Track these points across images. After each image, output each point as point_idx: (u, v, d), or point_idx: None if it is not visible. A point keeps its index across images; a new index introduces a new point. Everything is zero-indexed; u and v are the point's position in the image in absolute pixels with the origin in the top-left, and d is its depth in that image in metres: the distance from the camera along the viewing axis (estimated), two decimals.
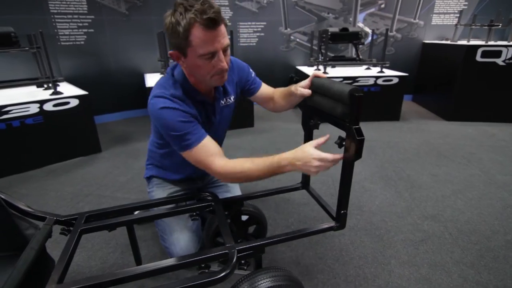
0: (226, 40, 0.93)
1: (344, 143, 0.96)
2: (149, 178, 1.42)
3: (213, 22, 0.86)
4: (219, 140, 1.28)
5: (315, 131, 1.21)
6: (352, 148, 0.92)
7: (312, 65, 3.91)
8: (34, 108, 2.32)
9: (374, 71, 3.56)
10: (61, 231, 1.08)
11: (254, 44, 4.09)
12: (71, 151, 2.57)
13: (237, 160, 0.99)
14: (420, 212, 1.75)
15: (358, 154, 0.92)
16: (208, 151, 0.99)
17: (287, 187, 1.34)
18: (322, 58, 3.71)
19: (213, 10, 0.86)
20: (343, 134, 0.94)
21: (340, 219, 1.07)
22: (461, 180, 2.11)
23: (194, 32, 0.87)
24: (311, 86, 1.11)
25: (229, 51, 0.99)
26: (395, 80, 3.34)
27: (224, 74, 1.00)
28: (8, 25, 2.51)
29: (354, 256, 1.42)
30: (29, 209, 1.08)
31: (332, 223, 1.09)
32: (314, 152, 0.91)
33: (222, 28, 0.91)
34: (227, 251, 0.91)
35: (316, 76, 1.09)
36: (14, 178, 2.17)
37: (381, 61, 3.45)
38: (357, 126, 0.90)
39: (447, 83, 3.50)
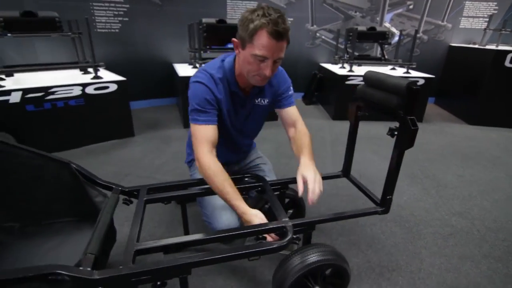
0: (280, 54, 1.04)
1: (396, 132, 1.04)
2: (190, 162, 1.52)
3: (278, 35, 0.98)
4: (247, 132, 1.38)
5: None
6: (405, 137, 1.01)
7: (336, 63, 3.95)
8: (77, 91, 2.45)
9: (400, 71, 3.58)
10: (124, 201, 1.19)
11: None
12: (107, 133, 2.71)
13: (217, 167, 1.08)
14: (448, 209, 1.81)
15: (411, 143, 1.00)
16: (205, 136, 1.10)
17: (329, 174, 1.42)
18: (348, 56, 3.75)
19: (283, 26, 0.98)
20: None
21: (385, 204, 1.15)
22: (486, 181, 2.16)
23: (260, 35, 0.98)
24: (364, 79, 1.20)
25: (279, 63, 1.09)
26: (421, 82, 3.37)
27: (265, 79, 1.10)
28: (50, 10, 2.64)
29: (386, 244, 1.50)
30: (98, 179, 1.20)
31: (377, 208, 1.17)
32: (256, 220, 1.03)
33: (283, 43, 1.02)
34: (284, 224, 1.00)
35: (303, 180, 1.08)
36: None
37: (408, 62, 3.47)
38: (411, 117, 0.98)
39: (473, 87, 3.50)
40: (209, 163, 1.08)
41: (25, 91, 2.24)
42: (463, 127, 3.41)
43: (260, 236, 1.02)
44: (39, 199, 1.14)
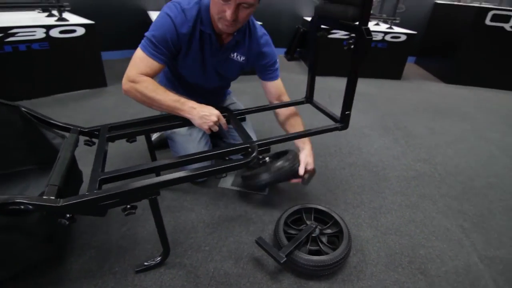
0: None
1: (352, 46, 1.06)
2: None
3: None
4: (216, 81, 1.32)
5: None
6: (361, 48, 1.03)
7: None
8: (40, 33, 2.26)
9: (383, 27, 3.52)
10: (85, 142, 1.13)
11: None
12: (77, 82, 2.56)
13: (152, 83, 1.06)
14: (414, 156, 1.90)
15: (365, 53, 1.04)
16: (145, 67, 1.06)
17: (292, 101, 1.41)
18: None
19: None
20: None
21: (344, 120, 1.22)
22: (454, 133, 2.26)
23: None
24: None
25: (247, 12, 1.02)
26: (403, 38, 3.34)
27: (229, 23, 1.02)
28: None
29: (353, 185, 1.57)
30: (53, 121, 1.12)
31: (337, 125, 1.22)
32: (216, 111, 1.09)
33: None
34: (248, 145, 1.03)
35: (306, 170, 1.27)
36: (23, 104, 2.19)
37: (392, 17, 3.41)
38: (366, 27, 0.99)
39: (452, 46, 3.52)
40: (146, 79, 1.05)
41: None
42: (440, 85, 3.48)
43: (227, 158, 1.05)
44: None
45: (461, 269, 1.14)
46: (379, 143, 2.04)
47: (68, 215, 0.78)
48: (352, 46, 1.06)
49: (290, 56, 4.06)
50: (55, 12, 2.54)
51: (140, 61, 1.06)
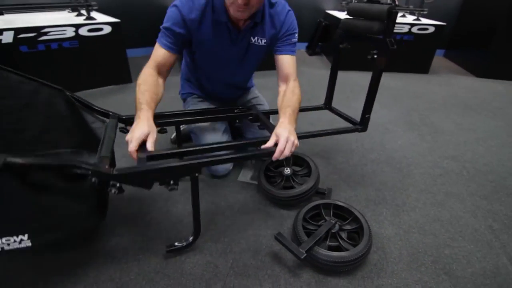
0: None
1: (375, 56, 1.20)
2: (184, 94, 1.57)
3: None
4: (238, 72, 1.33)
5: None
6: (383, 59, 1.17)
7: (343, 9, 3.72)
8: (70, 32, 2.37)
9: (410, 19, 3.38)
10: (121, 129, 1.18)
11: None
12: (104, 78, 2.67)
13: (147, 77, 1.06)
14: (441, 153, 1.82)
15: (388, 62, 1.17)
16: (156, 56, 1.12)
17: (311, 107, 1.48)
18: (356, 1, 3.52)
19: None
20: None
21: (363, 123, 1.32)
22: (485, 130, 2.14)
23: None
24: (348, 12, 1.34)
25: None
26: (431, 29, 3.19)
27: (242, 8, 1.01)
28: None
29: (375, 181, 1.53)
30: (95, 106, 1.19)
31: (357, 126, 1.34)
32: (139, 134, 0.92)
33: None
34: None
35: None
36: None
37: (419, 8, 3.26)
38: (390, 38, 1.11)
39: (485, 37, 3.31)
40: (145, 73, 1.08)
41: (17, 30, 2.17)
42: (470, 79, 3.30)
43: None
44: (31, 128, 1.08)
45: (489, 271, 1.08)
46: (403, 139, 1.97)
47: (118, 185, 0.84)
48: (375, 56, 1.19)
49: (311, 51, 3.99)
50: (83, 11, 2.65)
51: (156, 52, 1.13)
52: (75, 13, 2.73)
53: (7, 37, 2.15)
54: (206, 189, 1.42)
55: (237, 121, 1.50)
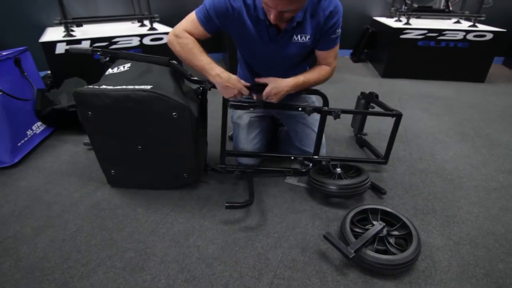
0: (287, 7, 1.02)
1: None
2: None
3: None
4: (285, 67, 1.35)
5: None
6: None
7: (392, 16, 3.66)
8: (136, 41, 2.65)
9: (465, 25, 3.23)
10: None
11: None
12: None
13: (192, 42, 1.21)
14: (497, 166, 1.74)
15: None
16: (192, 28, 1.21)
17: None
18: (406, 8, 3.45)
19: None
20: None
21: (386, 157, 1.60)
22: None
23: None
24: None
25: (291, 14, 1.09)
26: (489, 36, 3.02)
27: (276, 21, 1.08)
28: None
29: (423, 191, 1.52)
30: (190, 75, 1.39)
31: (381, 159, 1.59)
32: (239, 84, 1.22)
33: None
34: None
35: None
36: None
37: (476, 14, 3.10)
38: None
39: None
40: (185, 35, 1.20)
41: (93, 40, 2.49)
42: None
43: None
44: (150, 81, 1.31)
45: None
46: (455, 150, 1.91)
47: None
48: None
49: (356, 58, 3.97)
50: (146, 22, 2.94)
51: (191, 22, 1.21)
52: (139, 24, 3.04)
53: (85, 46, 2.47)
54: (256, 187, 1.52)
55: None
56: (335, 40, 1.26)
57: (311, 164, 1.54)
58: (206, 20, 1.20)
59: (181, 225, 1.30)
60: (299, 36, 1.22)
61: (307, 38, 1.22)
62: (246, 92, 1.25)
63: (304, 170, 1.56)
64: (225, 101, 1.38)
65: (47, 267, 1.10)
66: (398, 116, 1.50)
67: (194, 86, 1.39)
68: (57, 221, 1.31)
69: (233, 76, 1.21)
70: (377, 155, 1.71)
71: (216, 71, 1.19)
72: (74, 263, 1.11)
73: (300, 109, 1.43)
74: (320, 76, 1.32)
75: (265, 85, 1.28)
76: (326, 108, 1.42)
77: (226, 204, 1.26)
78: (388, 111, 1.54)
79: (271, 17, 1.07)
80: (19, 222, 1.30)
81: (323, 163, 1.49)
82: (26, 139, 1.81)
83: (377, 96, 1.70)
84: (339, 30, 1.24)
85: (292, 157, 1.55)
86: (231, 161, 1.64)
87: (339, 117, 1.40)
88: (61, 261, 1.12)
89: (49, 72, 2.57)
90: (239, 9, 1.17)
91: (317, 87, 1.40)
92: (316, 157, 1.52)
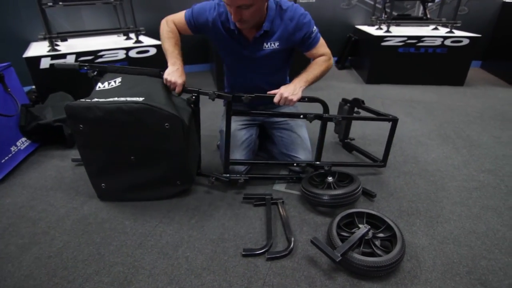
0: (240, 2, 1.15)
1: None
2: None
3: None
4: (261, 72, 1.50)
5: None
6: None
7: (373, 24, 3.78)
8: (122, 54, 2.66)
9: (442, 31, 3.36)
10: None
11: (314, 1, 4.02)
12: None
13: (172, 32, 1.41)
14: (477, 166, 1.80)
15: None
16: (178, 21, 1.42)
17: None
18: (386, 16, 3.58)
19: None
20: None
21: (384, 160, 1.63)
22: None
23: None
24: None
25: (250, 12, 1.20)
26: (465, 42, 3.15)
27: (238, 24, 1.26)
28: None
29: (407, 193, 1.56)
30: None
31: (378, 163, 1.62)
32: (179, 81, 1.32)
33: None
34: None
35: None
36: None
37: (452, 20, 3.24)
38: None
39: None
40: (170, 26, 1.41)
41: (78, 54, 2.49)
42: (509, 91, 3.18)
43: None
44: (140, 90, 1.36)
45: None
46: (437, 152, 1.97)
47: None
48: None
49: (341, 65, 4.07)
50: (132, 35, 2.96)
51: (180, 18, 1.42)
52: (125, 37, 3.05)
53: (70, 60, 2.46)
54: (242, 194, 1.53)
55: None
56: (314, 38, 1.41)
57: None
58: (189, 22, 1.41)
59: (169, 236, 1.29)
60: (269, 44, 1.40)
61: (276, 44, 1.40)
62: (178, 89, 1.34)
63: (303, 177, 1.58)
64: (229, 110, 1.42)
65: (33, 285, 1.07)
66: (394, 121, 1.56)
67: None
68: (43, 238, 1.28)
69: (178, 72, 1.33)
70: (372, 159, 1.77)
71: (170, 61, 1.35)
72: (61, 279, 1.09)
73: (301, 116, 1.49)
74: (322, 67, 1.44)
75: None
76: (326, 115, 1.48)
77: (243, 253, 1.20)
78: (384, 117, 1.60)
79: (233, 17, 1.22)
80: (3, 240, 1.28)
81: (326, 168, 1.50)
82: (10, 155, 1.78)
83: (363, 102, 1.75)
84: (314, 29, 1.39)
85: (294, 164, 1.58)
86: (220, 170, 1.64)
87: (339, 123, 1.58)
88: (47, 278, 1.10)
89: (33, 87, 2.55)
90: (214, 20, 1.35)
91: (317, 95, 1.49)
92: (318, 163, 1.56)
